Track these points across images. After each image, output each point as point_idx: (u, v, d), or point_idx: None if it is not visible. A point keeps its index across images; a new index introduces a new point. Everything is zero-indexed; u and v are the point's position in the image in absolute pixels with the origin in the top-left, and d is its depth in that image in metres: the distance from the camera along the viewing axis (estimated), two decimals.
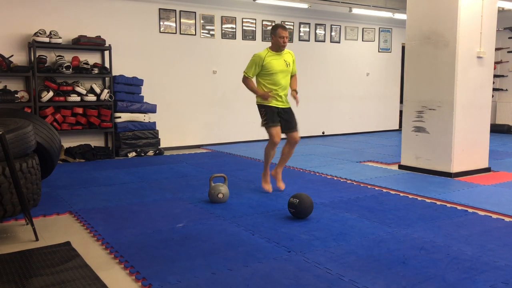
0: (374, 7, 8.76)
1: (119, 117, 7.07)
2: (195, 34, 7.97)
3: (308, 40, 9.33)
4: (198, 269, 2.80)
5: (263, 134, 8.73)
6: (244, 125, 8.70)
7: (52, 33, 6.52)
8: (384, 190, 4.88)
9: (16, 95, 6.22)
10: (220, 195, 4.31)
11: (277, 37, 4.60)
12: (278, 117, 4.66)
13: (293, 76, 4.82)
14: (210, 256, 3.00)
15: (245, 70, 4.71)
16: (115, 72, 7.14)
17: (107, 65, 7.06)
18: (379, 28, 10.35)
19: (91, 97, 6.78)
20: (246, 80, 4.69)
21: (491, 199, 4.47)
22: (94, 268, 2.80)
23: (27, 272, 2.74)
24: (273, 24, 8.71)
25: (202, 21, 8.02)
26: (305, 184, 5.16)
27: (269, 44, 4.87)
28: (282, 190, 4.76)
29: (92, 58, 7.04)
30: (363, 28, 10.11)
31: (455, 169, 5.54)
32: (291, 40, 9.01)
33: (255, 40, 8.59)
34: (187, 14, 7.85)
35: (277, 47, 4.65)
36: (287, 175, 5.35)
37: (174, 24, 7.74)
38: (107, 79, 7.14)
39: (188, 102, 8.03)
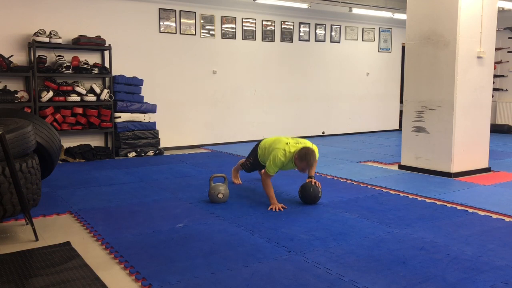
0: (374, 7, 8.76)
1: (119, 117, 7.07)
2: (195, 34, 7.97)
3: (308, 40, 9.33)
4: (198, 269, 2.80)
5: (263, 134, 8.80)
6: (244, 125, 8.70)
7: (52, 33, 6.52)
8: (384, 190, 4.88)
9: (16, 95, 6.22)
10: (220, 195, 4.31)
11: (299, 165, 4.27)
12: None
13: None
14: (210, 256, 3.00)
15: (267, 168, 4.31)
16: (115, 72, 7.14)
17: (107, 65, 7.06)
18: (379, 28, 10.35)
19: (91, 97, 6.78)
20: (267, 180, 4.27)
21: (491, 199, 4.47)
22: (94, 268, 2.80)
23: (27, 272, 2.74)
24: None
25: (202, 21, 8.02)
26: None
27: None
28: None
29: (92, 58, 7.04)
30: (363, 28, 10.11)
31: (455, 169, 5.54)
32: (290, 40, 9.02)
33: (255, 40, 8.59)
34: (187, 14, 7.85)
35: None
36: (287, 175, 5.35)
37: (174, 24, 7.74)
38: (107, 79, 7.14)
39: (188, 102, 8.03)
